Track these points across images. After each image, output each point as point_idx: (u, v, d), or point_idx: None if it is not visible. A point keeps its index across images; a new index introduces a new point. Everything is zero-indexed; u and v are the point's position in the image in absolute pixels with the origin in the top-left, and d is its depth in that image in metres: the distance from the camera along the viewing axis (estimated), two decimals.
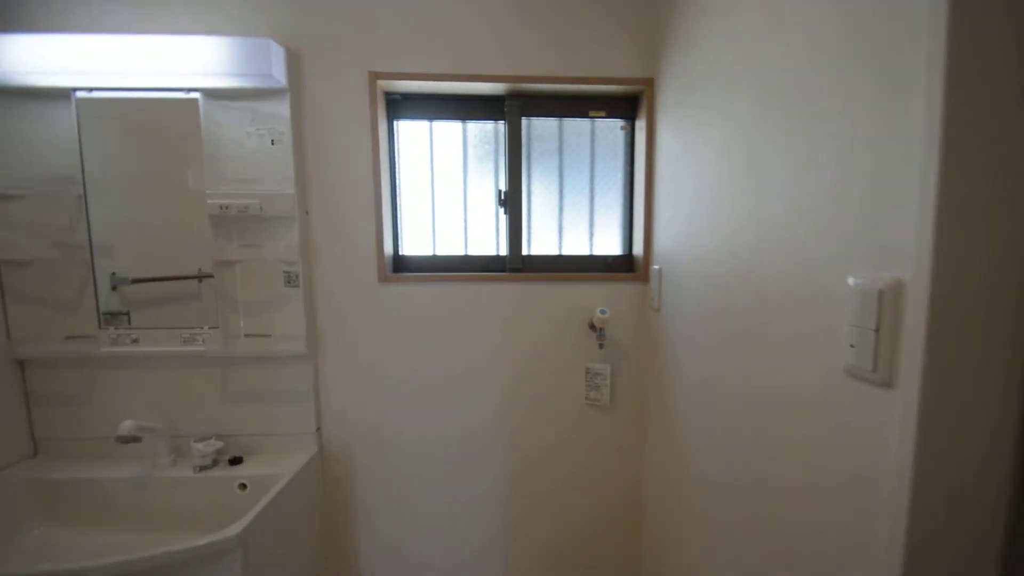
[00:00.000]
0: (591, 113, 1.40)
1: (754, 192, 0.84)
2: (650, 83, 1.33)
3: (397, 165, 1.41)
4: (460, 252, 1.46)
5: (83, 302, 1.27)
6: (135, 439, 1.20)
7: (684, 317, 1.16)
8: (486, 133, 1.42)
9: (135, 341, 1.27)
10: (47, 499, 1.23)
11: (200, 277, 1.33)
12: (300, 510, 1.29)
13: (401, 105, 1.38)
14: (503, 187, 1.42)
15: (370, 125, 1.29)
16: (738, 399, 0.91)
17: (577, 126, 1.44)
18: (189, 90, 1.17)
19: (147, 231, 1.29)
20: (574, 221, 1.49)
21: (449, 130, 1.42)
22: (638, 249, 1.43)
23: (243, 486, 1.25)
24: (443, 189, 1.44)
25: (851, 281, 0.61)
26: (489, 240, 1.47)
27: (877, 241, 0.58)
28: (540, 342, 1.42)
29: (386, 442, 1.43)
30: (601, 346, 1.40)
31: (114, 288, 1.30)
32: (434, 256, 1.45)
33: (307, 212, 1.30)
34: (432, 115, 1.40)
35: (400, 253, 1.44)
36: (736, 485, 0.92)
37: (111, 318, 1.28)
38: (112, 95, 1.20)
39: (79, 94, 1.19)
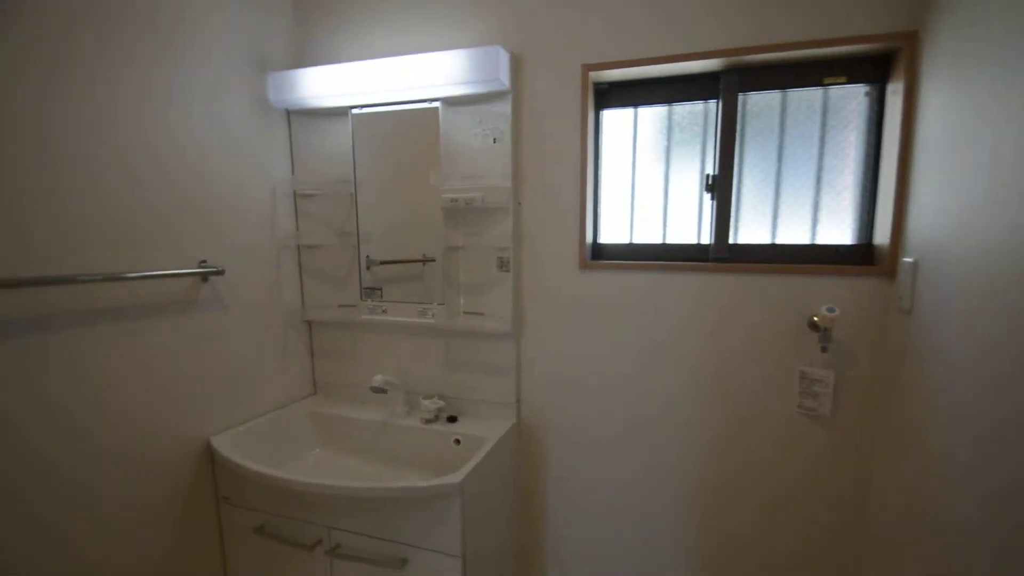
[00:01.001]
0: (826, 80, 1.22)
1: None
2: (912, 37, 1.09)
3: (600, 154, 1.44)
4: (658, 241, 1.43)
5: (350, 279, 1.61)
6: (383, 390, 1.49)
7: (955, 325, 0.94)
8: (694, 115, 1.35)
9: (384, 312, 1.57)
10: (321, 428, 1.60)
11: (424, 261, 1.57)
12: (501, 471, 1.44)
13: (608, 95, 1.40)
14: (710, 171, 1.34)
15: (580, 116, 1.33)
16: None
17: (805, 97, 1.27)
18: (432, 100, 1.39)
19: (391, 221, 1.56)
20: (793, 206, 1.32)
21: (653, 115, 1.39)
22: (881, 238, 1.21)
23: (457, 441, 1.45)
24: (643, 176, 1.42)
25: None
26: (690, 228, 1.41)
27: None
28: (746, 340, 1.30)
29: (575, 426, 1.49)
30: (824, 349, 1.22)
31: (368, 268, 1.61)
32: (631, 244, 1.45)
33: (519, 203, 1.42)
34: (637, 101, 1.38)
35: (598, 241, 1.47)
36: None
37: (369, 292, 1.60)
38: (375, 110, 1.48)
39: (354, 111, 1.50)
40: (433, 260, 1.53)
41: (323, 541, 1.27)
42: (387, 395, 1.53)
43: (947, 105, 0.98)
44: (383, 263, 1.59)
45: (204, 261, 1.32)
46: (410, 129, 1.47)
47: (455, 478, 1.15)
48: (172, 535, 1.28)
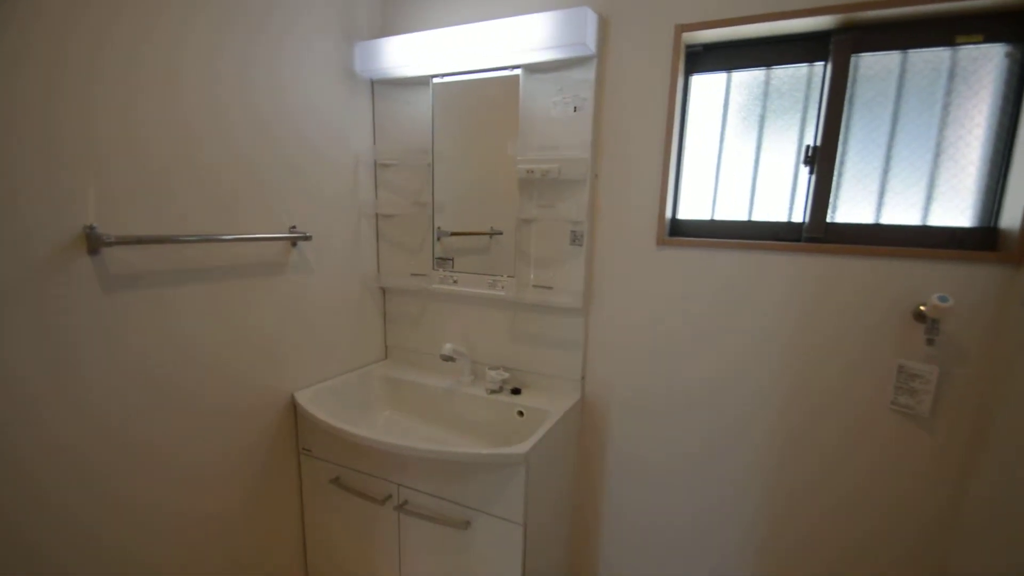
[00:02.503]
0: (959, 40, 1.08)
1: None
2: None
3: (686, 123, 1.37)
4: (743, 218, 1.35)
5: (423, 248, 1.65)
6: (451, 359, 1.52)
7: None
8: (795, 79, 1.24)
9: (455, 282, 1.59)
10: (391, 391, 1.67)
11: (491, 234, 1.57)
12: (563, 444, 1.44)
13: (699, 58, 1.31)
14: (810, 142, 1.23)
15: (669, 82, 1.26)
16: None
17: (929, 59, 1.13)
18: (513, 67, 1.36)
19: (465, 193, 1.57)
20: (904, 182, 1.19)
21: (748, 80, 1.29)
22: (1009, 221, 1.07)
23: (520, 413, 1.46)
24: (731, 147, 1.34)
25: None
26: (780, 205, 1.31)
27: None
28: (839, 327, 1.20)
29: (641, 406, 1.46)
30: (931, 342, 1.11)
31: (438, 239, 1.64)
32: (712, 221, 1.37)
33: (596, 176, 1.38)
34: (732, 64, 1.29)
35: (677, 217, 1.41)
36: None
37: (440, 262, 1.63)
38: (455, 79, 1.48)
39: (435, 80, 1.50)
40: (500, 233, 1.53)
41: (392, 497, 1.34)
42: (454, 364, 1.57)
43: None
44: (453, 234, 1.61)
45: (294, 227, 1.39)
46: (489, 98, 1.46)
47: (522, 448, 1.16)
48: (256, 481, 1.39)
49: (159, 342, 1.12)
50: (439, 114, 1.53)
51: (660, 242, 1.35)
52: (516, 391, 1.53)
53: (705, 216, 1.39)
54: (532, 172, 1.35)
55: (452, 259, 1.60)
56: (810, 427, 1.27)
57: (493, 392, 1.52)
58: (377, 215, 1.69)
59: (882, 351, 1.18)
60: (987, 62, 1.09)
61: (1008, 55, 1.07)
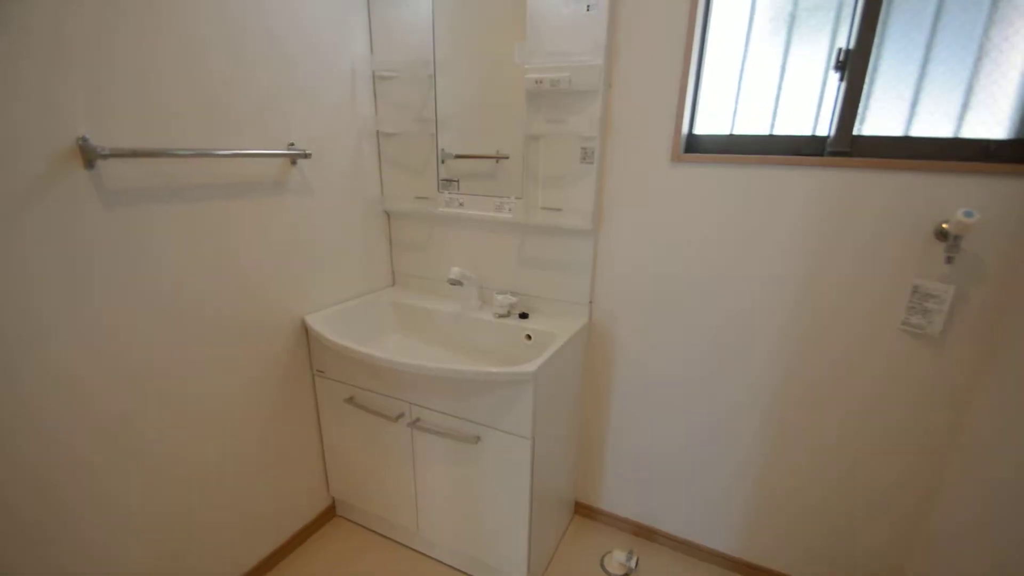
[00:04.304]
0: None
1: None
2: None
3: (708, 26, 1.26)
4: (765, 132, 1.28)
5: (427, 170, 1.59)
6: (459, 283, 1.51)
7: None
8: None
9: (461, 205, 1.55)
10: (400, 316, 1.68)
11: (497, 158, 1.50)
12: (571, 364, 1.47)
13: None
14: (844, 44, 1.14)
15: None
16: None
17: None
18: None
19: (470, 106, 1.49)
20: (941, 88, 1.11)
21: None
22: None
23: (528, 337, 1.47)
24: (756, 53, 1.24)
25: None
26: (806, 117, 1.23)
27: None
28: (856, 247, 1.17)
29: (650, 332, 1.46)
30: (949, 260, 1.08)
31: (442, 161, 1.58)
32: (732, 136, 1.30)
33: (609, 86, 1.29)
34: None
35: (694, 132, 1.34)
36: None
37: (446, 184, 1.57)
38: None
39: None
40: (507, 157, 1.47)
41: (405, 414, 1.38)
42: (462, 288, 1.56)
43: None
44: (458, 157, 1.54)
45: (292, 144, 1.33)
46: None
47: (530, 367, 1.18)
48: (274, 401, 1.43)
49: (166, 261, 1.11)
50: (440, 16, 1.41)
51: (676, 159, 1.29)
52: (524, 315, 1.54)
53: (724, 131, 1.31)
54: (540, 82, 1.27)
55: (458, 181, 1.55)
56: (816, 347, 1.28)
57: (501, 316, 1.53)
58: (378, 133, 1.61)
59: (902, 270, 1.15)
60: None
61: None
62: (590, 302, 1.51)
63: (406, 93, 1.53)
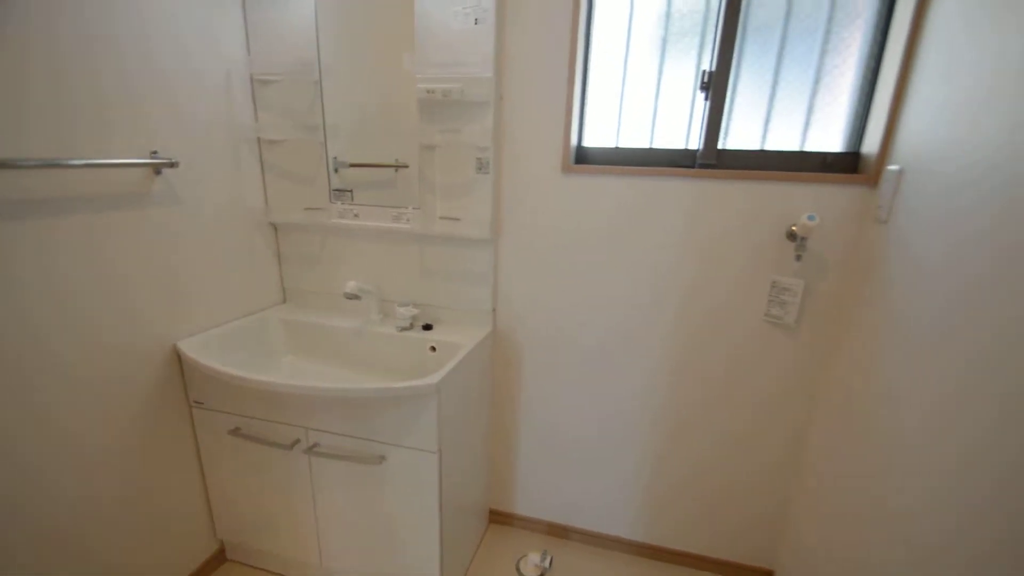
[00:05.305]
0: None
1: None
2: None
3: (590, 46, 1.33)
4: (644, 145, 1.37)
5: (317, 179, 1.50)
6: (356, 297, 1.44)
7: (932, 228, 0.95)
8: (696, 1, 1.24)
9: (356, 216, 1.48)
10: (293, 335, 1.57)
11: (396, 167, 1.47)
12: (476, 374, 1.46)
13: None
14: (707, 67, 1.26)
15: None
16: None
17: None
18: None
19: (361, 116, 1.43)
20: (788, 106, 1.27)
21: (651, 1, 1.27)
22: (869, 147, 1.19)
23: (433, 348, 1.44)
24: (635, 73, 1.33)
25: None
26: (679, 132, 1.35)
27: None
28: (724, 248, 1.31)
29: (551, 333, 1.51)
30: (799, 258, 1.24)
31: (335, 170, 1.50)
32: (617, 149, 1.38)
33: (501, 98, 1.31)
34: None
35: (583, 144, 1.40)
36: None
37: (338, 194, 1.50)
38: None
39: None
40: (406, 167, 1.44)
41: (301, 440, 1.29)
42: (360, 302, 1.49)
43: None
44: (353, 166, 1.48)
45: (155, 152, 1.18)
46: (380, 2, 1.30)
47: (433, 379, 1.15)
48: (141, 440, 1.26)
49: (12, 283, 0.95)
50: (325, 19, 1.35)
51: (566, 169, 1.34)
52: (428, 327, 1.51)
53: (610, 144, 1.39)
54: (433, 92, 1.25)
55: (351, 191, 1.48)
56: (699, 338, 1.40)
57: (404, 329, 1.49)
58: (260, 140, 1.49)
59: (763, 269, 1.30)
60: None
61: None
62: (493, 309, 1.52)
63: (290, 98, 1.44)
